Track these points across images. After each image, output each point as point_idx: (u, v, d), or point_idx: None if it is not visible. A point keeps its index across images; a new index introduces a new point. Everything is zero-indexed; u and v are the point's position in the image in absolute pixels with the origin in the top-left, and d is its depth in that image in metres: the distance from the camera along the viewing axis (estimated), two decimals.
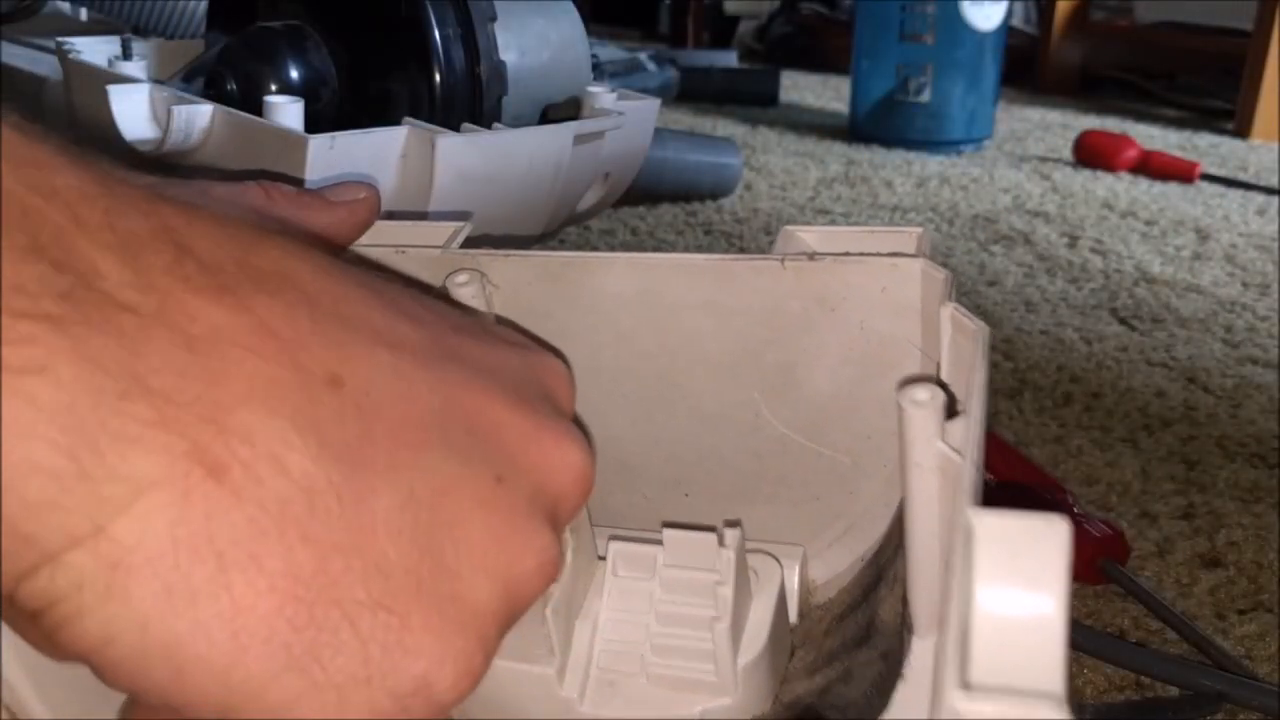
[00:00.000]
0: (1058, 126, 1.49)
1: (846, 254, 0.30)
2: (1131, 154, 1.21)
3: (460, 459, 0.17)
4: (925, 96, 1.31)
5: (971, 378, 0.25)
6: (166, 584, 0.14)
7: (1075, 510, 0.48)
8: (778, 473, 0.34)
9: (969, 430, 0.23)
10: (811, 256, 0.31)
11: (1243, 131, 1.44)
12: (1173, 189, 1.14)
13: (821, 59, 1.98)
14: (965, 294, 0.82)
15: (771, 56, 2.08)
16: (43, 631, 0.14)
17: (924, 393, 0.24)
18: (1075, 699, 0.39)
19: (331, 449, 0.15)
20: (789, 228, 0.33)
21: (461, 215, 0.36)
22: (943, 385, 0.25)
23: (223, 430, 0.14)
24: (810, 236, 0.32)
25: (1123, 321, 0.77)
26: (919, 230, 0.31)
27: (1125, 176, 1.19)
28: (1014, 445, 0.57)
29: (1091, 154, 1.23)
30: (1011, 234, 0.97)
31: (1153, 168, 1.19)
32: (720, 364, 0.33)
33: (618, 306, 0.32)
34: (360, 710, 0.16)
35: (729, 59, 1.89)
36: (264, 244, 0.17)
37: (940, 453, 0.24)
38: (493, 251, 0.32)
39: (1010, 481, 0.52)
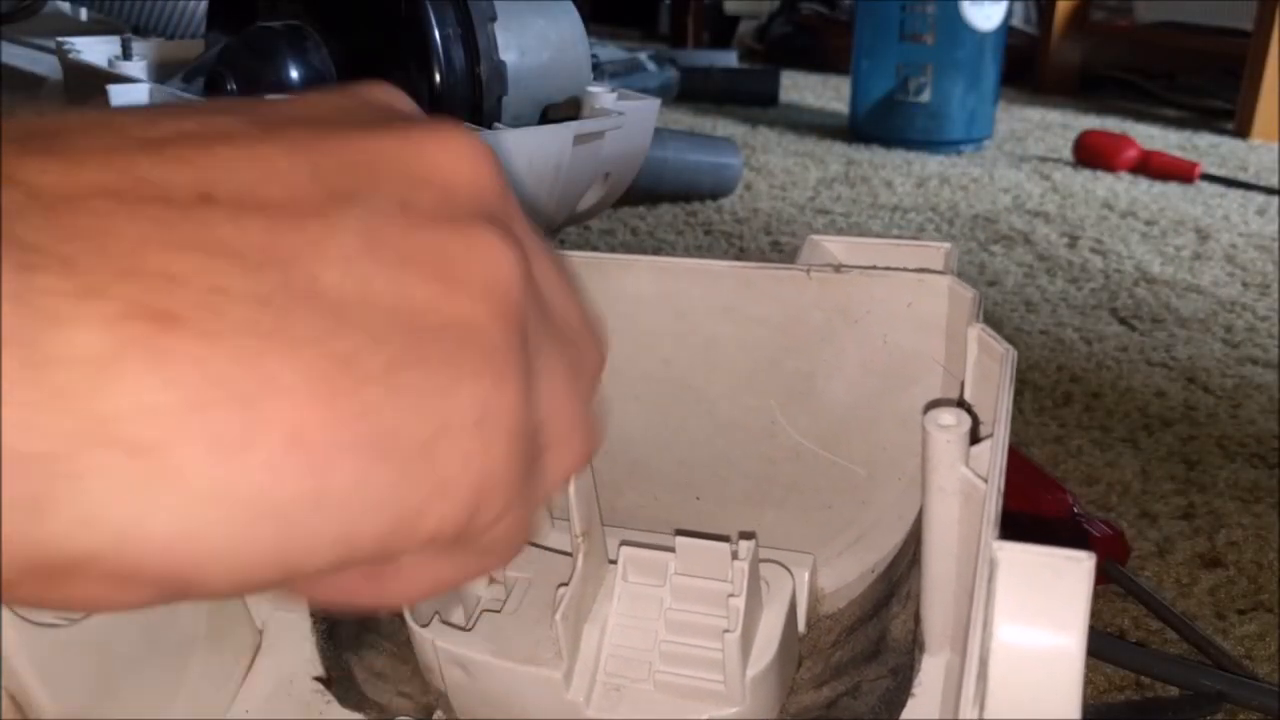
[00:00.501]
0: (1058, 126, 1.49)
1: (873, 267, 0.30)
2: (1131, 154, 1.21)
3: (364, 204, 0.16)
4: (925, 96, 1.31)
5: (998, 402, 0.25)
6: (209, 445, 0.13)
7: (1075, 510, 0.48)
8: (790, 480, 0.34)
9: (994, 456, 0.23)
10: (837, 268, 0.31)
11: (1243, 131, 1.44)
12: (1173, 189, 1.14)
13: (821, 59, 1.98)
14: None
15: (771, 56, 2.08)
16: (76, 576, 0.13)
17: (949, 417, 0.24)
18: None
19: (249, 259, 0.14)
20: (815, 237, 0.32)
21: None
22: (967, 408, 0.25)
23: (145, 279, 0.13)
24: (836, 247, 0.32)
25: (1123, 321, 0.77)
26: (947, 246, 0.31)
27: (1125, 176, 1.19)
28: (1014, 445, 0.57)
29: (1091, 154, 1.23)
30: (1011, 234, 0.97)
31: (1153, 168, 1.19)
32: (738, 370, 0.33)
33: (637, 309, 0.32)
34: (453, 463, 0.15)
35: (729, 59, 1.89)
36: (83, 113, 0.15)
37: (963, 478, 0.24)
38: None
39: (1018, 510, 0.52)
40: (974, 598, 0.20)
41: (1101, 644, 0.40)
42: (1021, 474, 0.53)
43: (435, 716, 0.31)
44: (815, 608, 0.33)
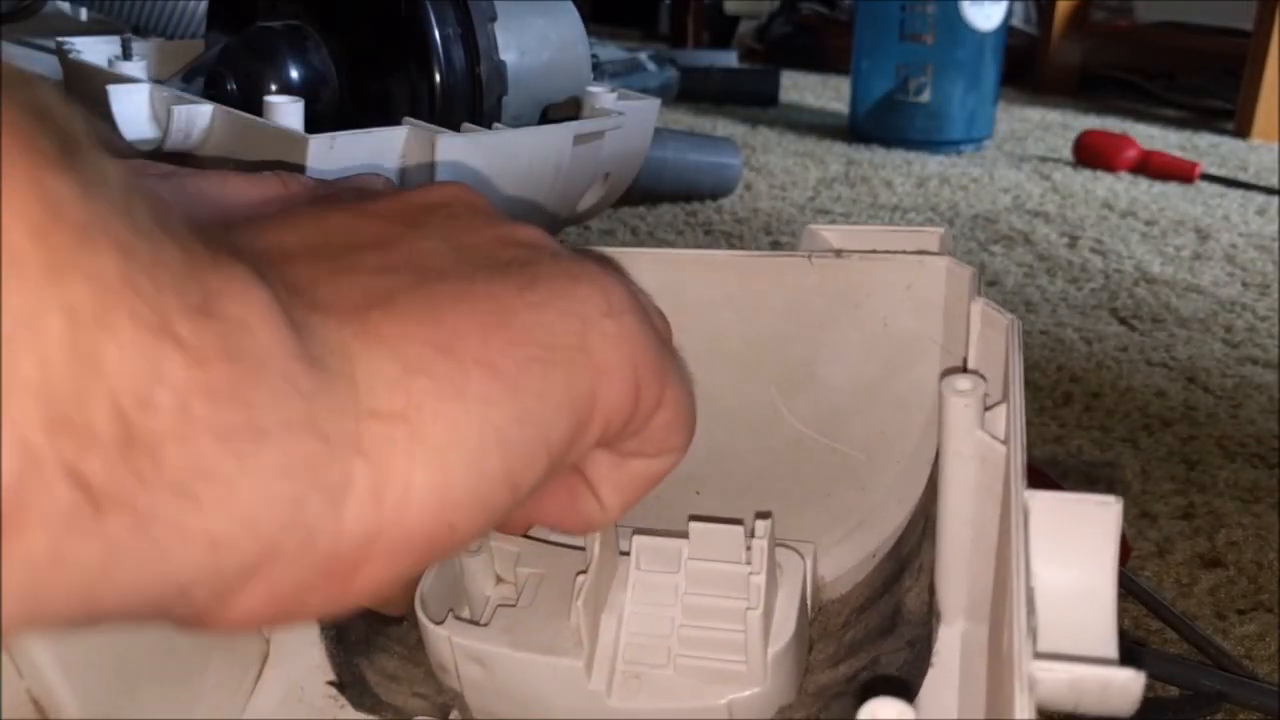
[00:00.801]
0: (1058, 126, 1.49)
1: (873, 251, 0.31)
2: (1131, 154, 1.21)
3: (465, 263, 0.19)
4: (925, 96, 1.31)
5: (1010, 367, 0.25)
6: (436, 396, 0.15)
7: None
8: (790, 469, 0.34)
9: (1013, 417, 0.24)
10: (838, 254, 0.31)
11: (1243, 131, 1.44)
12: (1173, 189, 1.14)
13: (821, 59, 1.98)
14: None
15: (771, 56, 2.08)
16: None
17: (966, 382, 0.25)
18: None
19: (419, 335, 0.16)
20: (813, 226, 0.33)
21: None
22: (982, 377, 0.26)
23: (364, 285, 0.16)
24: (833, 235, 0.32)
25: (1123, 321, 0.77)
26: (941, 230, 0.31)
27: (1125, 176, 1.19)
28: None
29: (1092, 154, 1.23)
30: (1011, 234, 0.97)
31: (1153, 168, 1.19)
32: (740, 359, 0.33)
33: None
34: (604, 348, 0.18)
35: (729, 59, 1.89)
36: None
37: (980, 441, 0.25)
38: None
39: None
40: (1010, 547, 0.21)
41: None
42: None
43: (452, 716, 0.30)
44: (817, 595, 0.33)
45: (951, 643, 0.27)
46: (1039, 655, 0.18)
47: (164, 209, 0.13)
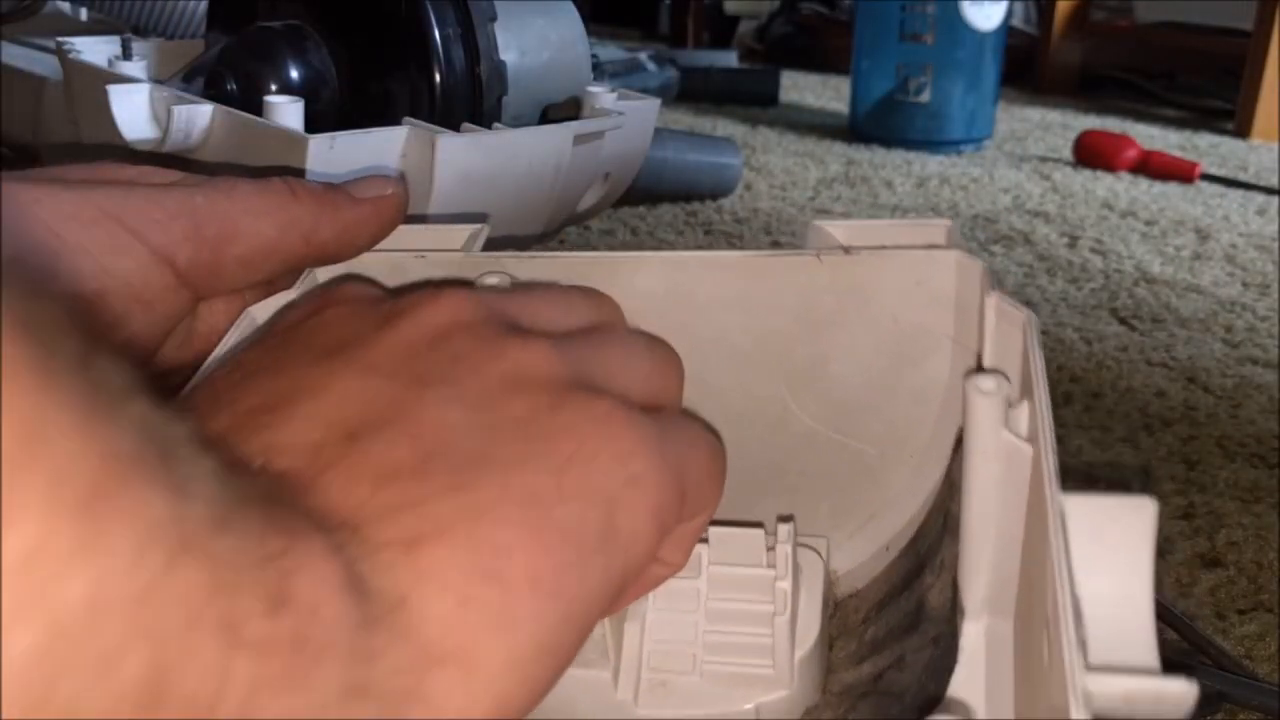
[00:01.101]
0: (1058, 126, 1.49)
1: (882, 247, 0.31)
2: (1131, 154, 1.20)
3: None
4: (925, 96, 1.31)
5: (1031, 364, 0.26)
6: (487, 626, 0.16)
7: None
8: (801, 465, 0.34)
9: (1038, 415, 0.24)
10: (847, 250, 0.31)
11: (1243, 131, 1.44)
12: (1173, 189, 1.14)
13: (821, 59, 1.98)
14: None
15: (771, 56, 2.08)
16: None
17: (990, 382, 0.25)
18: None
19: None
20: (818, 222, 0.33)
21: (476, 217, 0.35)
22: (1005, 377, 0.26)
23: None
24: (838, 230, 0.32)
25: (1123, 321, 0.77)
26: (947, 223, 0.31)
27: (1125, 176, 1.19)
28: None
29: (1091, 154, 1.23)
30: (1011, 234, 0.97)
31: (1153, 168, 1.19)
32: (749, 360, 0.33)
33: (647, 305, 0.32)
34: (634, 520, 0.19)
35: (729, 59, 1.89)
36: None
37: (1006, 441, 0.25)
38: (518, 254, 0.32)
39: None
40: (1047, 551, 0.21)
41: None
42: None
43: None
44: (832, 590, 0.33)
45: (977, 639, 0.27)
46: (1091, 668, 0.18)
47: (236, 472, 0.14)
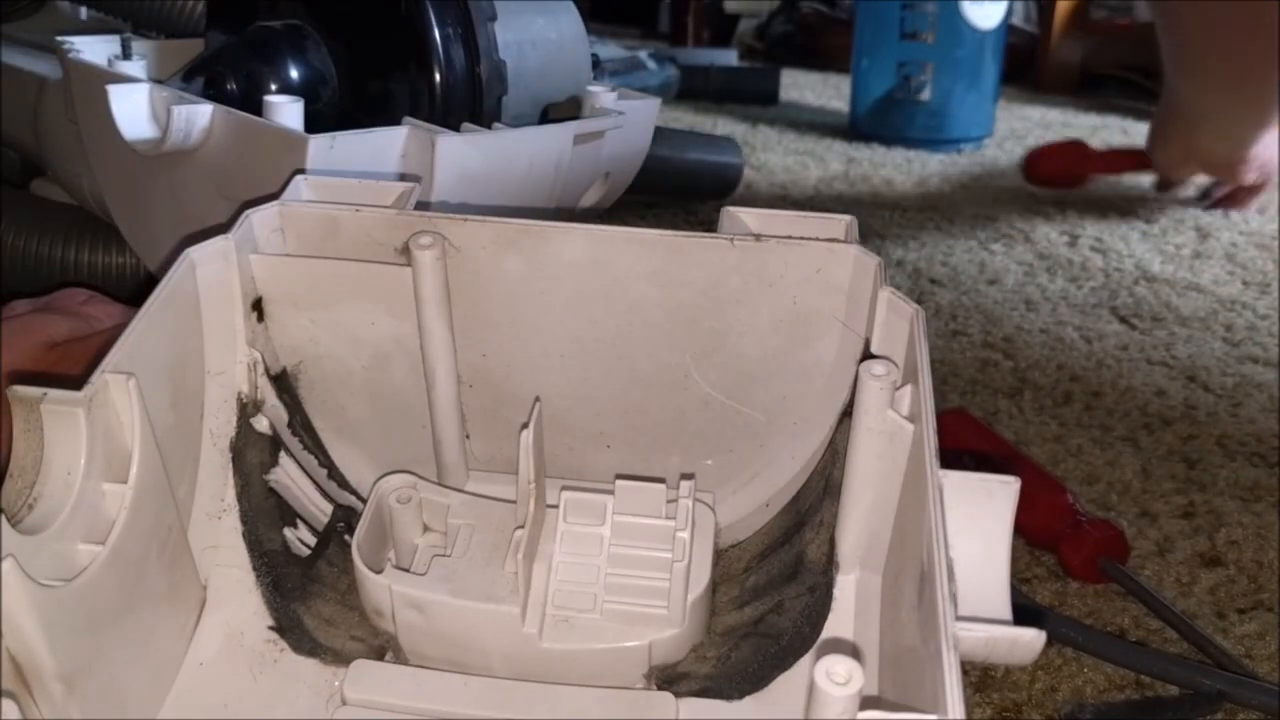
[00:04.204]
0: (1058, 125, 1.49)
1: (789, 237, 0.34)
2: (1092, 159, 1.10)
3: None
4: (926, 95, 1.31)
5: (918, 355, 0.29)
6: None
7: (1076, 509, 0.48)
8: (697, 428, 0.38)
9: (923, 399, 0.28)
10: (758, 238, 0.34)
11: None
12: None
13: (822, 57, 1.98)
14: (965, 292, 0.82)
15: (772, 55, 2.08)
16: None
17: (880, 368, 0.29)
18: (1075, 699, 0.39)
19: None
20: (730, 209, 0.37)
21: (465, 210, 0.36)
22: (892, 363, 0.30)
23: None
24: (749, 218, 0.36)
25: (1123, 320, 0.77)
26: (849, 218, 0.35)
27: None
28: (1014, 444, 0.57)
29: (1047, 175, 1.10)
30: (1012, 232, 0.97)
31: (1116, 168, 1.10)
32: (660, 329, 0.36)
33: (570, 273, 0.35)
34: None
35: (729, 57, 1.88)
36: None
37: (890, 419, 0.29)
38: (452, 215, 0.35)
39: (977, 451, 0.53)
40: (925, 518, 0.24)
41: (1101, 644, 0.40)
42: (1021, 473, 0.52)
43: (387, 658, 0.32)
44: (715, 540, 0.36)
45: (848, 589, 0.32)
46: (960, 618, 0.22)
47: None
